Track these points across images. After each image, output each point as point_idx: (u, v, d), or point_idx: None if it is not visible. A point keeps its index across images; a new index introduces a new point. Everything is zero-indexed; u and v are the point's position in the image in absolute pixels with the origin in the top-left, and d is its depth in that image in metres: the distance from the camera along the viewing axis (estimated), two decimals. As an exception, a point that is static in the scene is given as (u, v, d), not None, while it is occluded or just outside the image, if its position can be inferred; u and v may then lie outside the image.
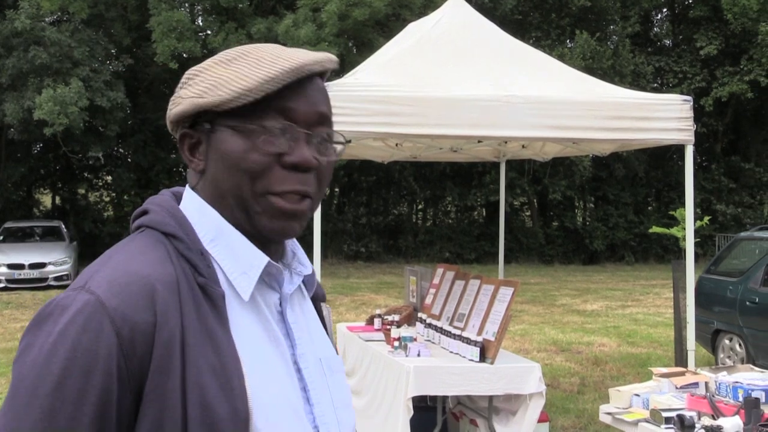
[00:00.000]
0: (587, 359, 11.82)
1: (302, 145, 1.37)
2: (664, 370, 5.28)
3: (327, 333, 1.59)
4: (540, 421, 6.48)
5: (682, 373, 5.10)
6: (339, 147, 1.47)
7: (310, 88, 1.40)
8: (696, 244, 7.96)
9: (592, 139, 6.59)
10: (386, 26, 25.01)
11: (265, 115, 1.36)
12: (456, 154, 8.79)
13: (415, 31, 7.72)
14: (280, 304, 1.44)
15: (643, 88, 24.86)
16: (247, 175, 1.36)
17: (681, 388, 4.83)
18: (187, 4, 27.91)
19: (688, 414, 4.33)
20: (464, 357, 6.45)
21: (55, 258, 21.04)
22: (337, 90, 5.86)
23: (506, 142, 8.25)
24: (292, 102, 1.37)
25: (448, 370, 6.22)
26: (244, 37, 24.93)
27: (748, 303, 10.15)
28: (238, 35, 24.97)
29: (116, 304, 1.25)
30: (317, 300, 1.61)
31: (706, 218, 11.91)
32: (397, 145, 8.44)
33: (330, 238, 26.86)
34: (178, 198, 1.48)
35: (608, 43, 29.50)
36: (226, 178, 1.38)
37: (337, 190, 31.84)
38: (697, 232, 9.32)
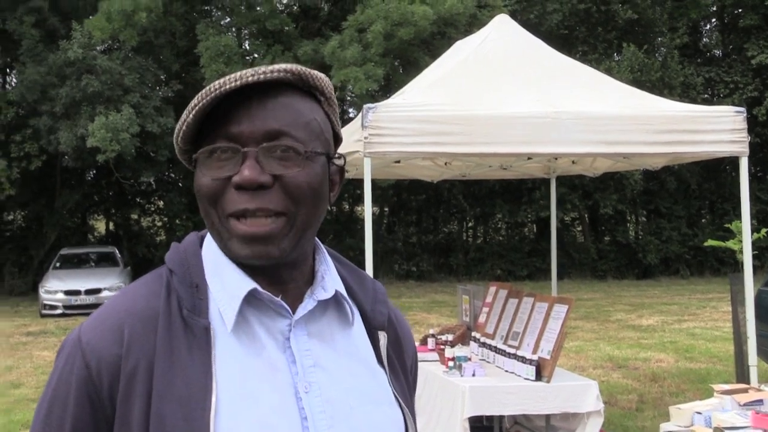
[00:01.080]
0: (645, 375, 11.65)
1: (249, 164, 1.35)
2: (726, 386, 5.18)
3: (381, 362, 1.54)
4: (599, 439, 6.41)
5: (745, 390, 5.00)
6: (338, 161, 1.51)
7: (257, 107, 1.38)
8: (753, 257, 7.81)
9: (643, 153, 6.53)
10: (432, 44, 25.03)
11: (214, 141, 1.38)
12: (505, 171, 8.76)
13: (461, 49, 7.72)
14: (288, 331, 1.42)
15: (694, 100, 24.60)
16: (208, 201, 1.39)
17: (744, 405, 4.74)
18: (234, 29, 28.29)
19: (752, 432, 4.25)
20: (520, 376, 6.41)
21: (110, 283, 21.31)
22: (385, 111, 5.88)
23: (556, 159, 8.19)
24: (234, 125, 1.37)
25: (504, 390, 6.18)
26: (291, 59, 25.14)
27: (810, 316, 9.95)
28: (285, 58, 25.19)
29: (88, 339, 1.37)
30: (373, 328, 1.56)
31: (764, 230, 11.68)
32: (446, 164, 8.43)
33: (380, 258, 26.87)
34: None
35: (656, 55, 29.22)
36: (201, 207, 1.43)
37: (386, 209, 31.87)
38: (754, 244, 9.15)
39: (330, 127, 1.51)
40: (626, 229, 31.51)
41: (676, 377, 11.50)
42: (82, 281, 21.30)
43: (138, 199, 31.21)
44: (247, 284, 1.39)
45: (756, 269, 7.45)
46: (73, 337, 1.40)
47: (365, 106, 5.86)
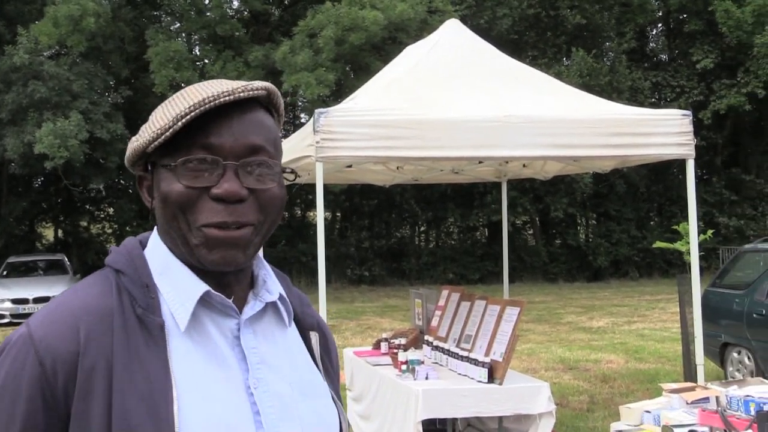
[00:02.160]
0: (595, 377, 11.77)
1: (229, 176, 1.40)
2: (674, 385, 5.25)
3: (315, 360, 1.62)
4: (551, 440, 6.46)
5: (693, 389, 5.07)
6: (290, 176, 1.54)
7: (238, 121, 1.43)
8: (700, 258, 7.95)
9: (593, 156, 6.60)
10: (383, 50, 25.11)
11: (191, 152, 1.41)
12: (457, 175, 8.80)
13: (412, 54, 7.74)
14: (238, 329, 1.47)
15: (641, 104, 24.89)
16: (179, 209, 1.42)
17: (692, 403, 4.81)
18: (184, 34, 28.10)
19: (700, 429, 4.31)
20: (473, 378, 6.42)
21: (59, 291, 20.90)
22: (336, 115, 5.87)
23: (507, 162, 8.25)
24: (215, 137, 1.41)
25: (457, 392, 6.19)
26: (242, 65, 25.07)
27: (755, 315, 10.11)
28: (236, 63, 25.10)
29: (42, 335, 1.36)
30: (304, 329, 1.64)
31: (710, 231, 11.90)
32: (398, 168, 8.44)
33: (333, 263, 26.83)
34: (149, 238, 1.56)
35: (605, 59, 29.59)
36: (165, 214, 1.44)
37: (338, 214, 31.84)
38: (700, 245, 9.30)
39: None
40: (576, 232, 31.84)
41: (625, 378, 11.62)
42: (30, 289, 20.94)
43: (87, 206, 30.88)
44: (200, 287, 1.44)
45: (702, 270, 7.58)
46: (21, 334, 1.38)
47: (316, 111, 5.86)
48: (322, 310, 6.13)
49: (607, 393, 10.67)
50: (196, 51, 28.16)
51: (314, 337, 1.65)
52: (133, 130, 26.78)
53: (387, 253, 30.68)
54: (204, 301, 1.45)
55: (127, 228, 28.97)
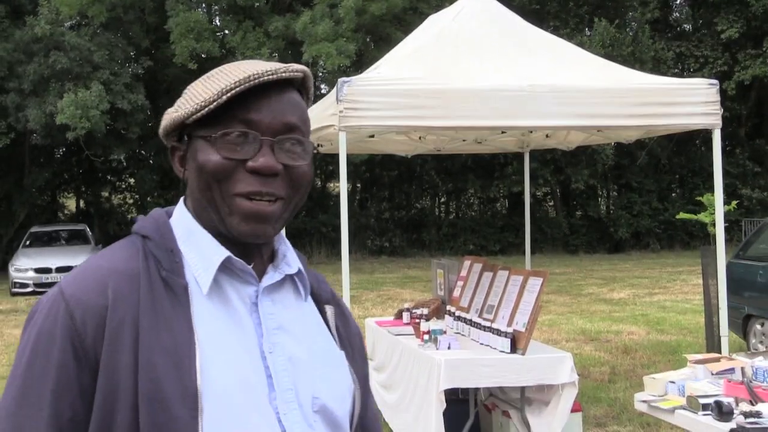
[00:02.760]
0: (617, 348, 11.75)
1: (265, 151, 1.49)
2: (699, 356, 5.23)
3: (331, 332, 1.68)
4: (573, 411, 6.44)
5: (717, 359, 5.05)
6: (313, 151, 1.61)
7: (276, 100, 1.51)
8: (726, 230, 7.90)
9: (618, 126, 6.56)
10: (404, 20, 24.96)
11: (230, 125, 1.48)
12: (480, 145, 8.76)
13: (435, 23, 7.68)
14: (256, 297, 1.55)
15: (664, 74, 24.62)
16: (214, 178, 1.49)
17: (717, 374, 4.79)
18: (204, 5, 28.00)
19: (725, 400, 4.29)
20: (495, 348, 6.43)
21: (82, 261, 21.13)
22: (360, 85, 5.84)
23: (531, 132, 8.20)
24: (254, 113, 1.49)
25: (480, 362, 6.19)
26: (262, 35, 24.99)
27: (779, 287, 10.06)
28: (256, 33, 25.02)
29: (72, 291, 1.44)
30: (320, 302, 1.71)
31: (734, 203, 11.79)
32: (420, 138, 8.42)
33: (353, 234, 26.84)
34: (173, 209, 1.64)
35: (627, 30, 29.29)
36: (199, 183, 1.52)
37: (359, 185, 31.82)
38: (724, 217, 9.24)
39: None
40: (597, 204, 31.71)
41: (647, 349, 11.60)
42: (52, 259, 21.12)
43: (109, 177, 31.01)
44: (222, 252, 1.51)
45: (725, 242, 7.52)
46: (53, 292, 1.47)
47: (340, 80, 5.83)
48: (345, 281, 6.13)
49: (629, 364, 10.66)
50: (217, 21, 28.05)
51: (330, 310, 1.72)
52: (154, 100, 26.94)
53: (407, 224, 30.68)
54: (225, 267, 1.52)
55: (148, 198, 29.07)
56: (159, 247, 1.51)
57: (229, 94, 1.46)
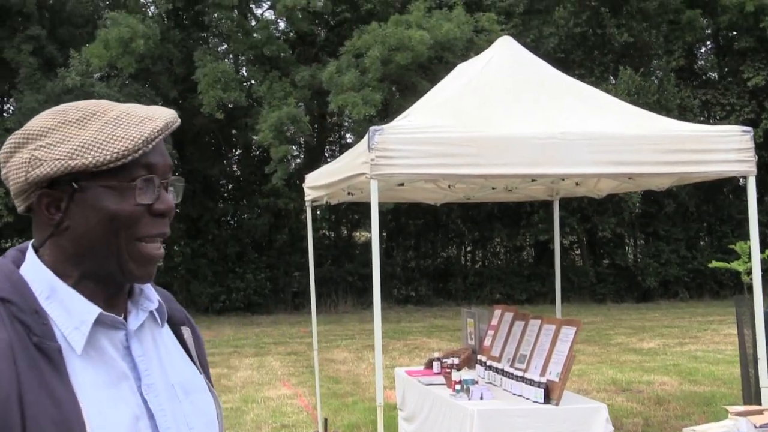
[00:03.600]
0: (649, 399, 11.58)
1: (164, 194, 1.56)
2: (741, 408, 5.13)
3: (190, 354, 1.73)
4: (608, 463, 6.35)
5: (760, 412, 4.95)
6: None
7: (160, 143, 1.57)
8: (749, 279, 7.79)
9: (650, 173, 6.50)
10: (429, 69, 25.09)
11: (135, 172, 1.52)
12: (509, 194, 8.74)
13: (465, 71, 7.70)
14: (127, 340, 1.57)
15: (690, 122, 24.61)
16: (123, 225, 1.51)
17: (760, 427, 4.68)
18: (231, 56, 28.32)
19: (769, 453, 4.19)
20: (528, 399, 6.36)
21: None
22: (391, 133, 5.84)
23: (563, 180, 8.16)
24: (153, 157, 1.54)
25: (513, 413, 6.13)
26: (288, 85, 25.19)
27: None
28: (282, 83, 25.22)
29: None
30: (176, 324, 1.74)
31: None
32: (449, 186, 8.40)
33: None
34: (24, 253, 1.59)
35: (653, 78, 29.28)
36: (98, 230, 1.51)
37: (384, 234, 31.82)
38: (726, 265, 9.17)
39: None
40: (625, 252, 31.47)
41: (680, 400, 11.43)
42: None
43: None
44: (93, 310, 1.52)
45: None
46: None
47: (371, 128, 5.84)
48: (377, 330, 6.08)
49: (662, 416, 10.50)
50: (244, 72, 28.32)
51: (186, 332, 1.75)
52: (181, 149, 27.16)
53: (433, 272, 30.56)
54: (96, 321, 1.52)
55: (176, 247, 29.12)
56: (23, 311, 1.46)
57: (153, 143, 1.51)
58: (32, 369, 1.41)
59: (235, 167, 31.33)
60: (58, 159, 1.50)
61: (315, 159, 28.62)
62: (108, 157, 1.49)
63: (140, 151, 1.50)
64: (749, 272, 9.33)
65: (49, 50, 25.23)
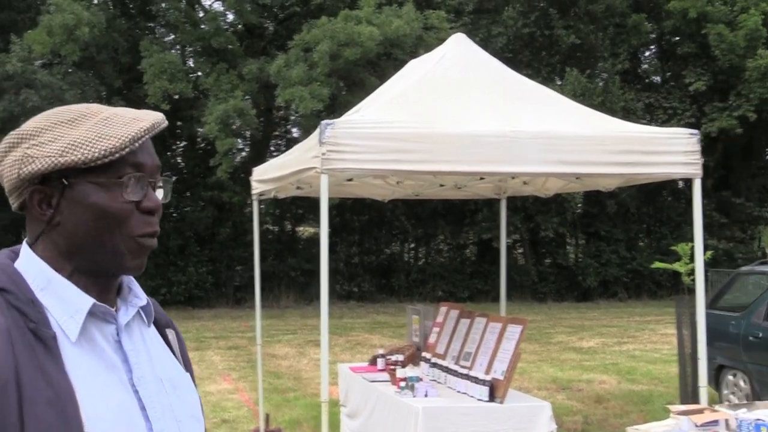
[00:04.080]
0: (588, 397, 11.70)
1: (151, 192, 1.61)
2: (682, 407, 5.18)
3: (174, 355, 1.79)
4: (551, 462, 6.38)
5: (701, 411, 4.99)
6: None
7: (148, 144, 1.62)
8: (690, 280, 7.89)
9: (599, 174, 6.54)
10: (378, 65, 25.06)
11: (123, 170, 1.57)
12: (458, 191, 8.73)
13: (417, 68, 7.67)
14: (118, 334, 1.62)
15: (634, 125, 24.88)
16: (114, 221, 1.57)
17: (701, 426, 4.73)
18: (178, 46, 27.98)
19: (712, 453, 4.23)
20: (473, 397, 6.37)
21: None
22: (343, 127, 5.79)
23: (513, 178, 8.18)
24: (141, 157, 1.59)
25: (458, 411, 6.13)
26: (236, 78, 24.97)
27: (751, 338, 10.07)
28: (230, 76, 24.99)
29: None
30: (161, 327, 1.80)
31: (709, 253, 11.83)
32: (398, 182, 8.37)
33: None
34: (17, 253, 1.65)
35: (598, 80, 29.59)
36: (89, 226, 1.57)
37: (329, 229, 31.67)
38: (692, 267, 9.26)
39: None
40: (566, 252, 31.77)
41: (619, 399, 11.56)
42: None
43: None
44: (87, 300, 1.58)
45: (691, 292, 7.53)
46: None
47: (323, 122, 5.78)
48: (324, 324, 6.03)
49: (602, 414, 10.60)
50: (190, 63, 28.00)
51: (171, 334, 1.82)
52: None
53: (376, 269, 30.55)
54: (89, 312, 1.58)
55: None
56: (20, 300, 1.53)
57: (140, 141, 1.56)
58: (29, 353, 1.47)
59: (179, 159, 30.97)
60: (49, 156, 1.56)
61: (260, 153, 28.39)
62: (96, 154, 1.54)
63: (127, 149, 1.55)
64: (690, 273, 9.49)
65: (-12, 36, 24.72)
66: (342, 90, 26.03)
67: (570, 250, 32.24)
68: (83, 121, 1.59)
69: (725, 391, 10.55)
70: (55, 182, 1.58)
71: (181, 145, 31.03)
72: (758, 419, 4.56)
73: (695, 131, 6.47)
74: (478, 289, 29.25)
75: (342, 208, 28.41)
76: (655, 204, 30.94)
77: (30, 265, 1.61)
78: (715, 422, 4.78)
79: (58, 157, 1.55)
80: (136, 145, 1.56)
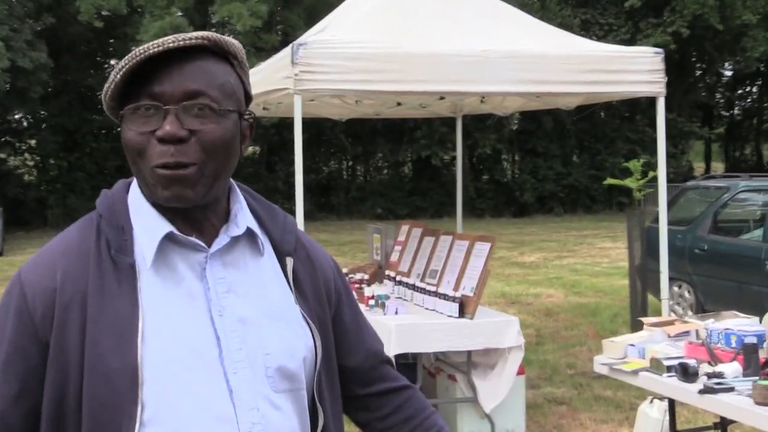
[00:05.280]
0: (539, 311, 11.96)
1: (170, 119, 1.53)
2: (654, 319, 5.34)
3: (289, 284, 1.72)
4: (518, 374, 6.54)
5: (671, 323, 5.17)
6: (249, 118, 1.68)
7: (177, 70, 1.55)
8: (624, 194, 8.04)
9: (566, 92, 6.59)
10: (316, -19, 24.65)
11: (138, 100, 1.54)
12: (418, 110, 8.73)
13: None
14: (205, 262, 1.61)
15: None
16: (135, 152, 1.56)
17: (674, 336, 4.90)
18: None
19: (689, 362, 4.39)
20: (442, 313, 6.44)
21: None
22: (316, 48, 5.74)
23: (483, 98, 8.18)
24: (157, 85, 1.54)
25: (430, 327, 6.21)
26: (170, -6, 24.38)
27: (696, 251, 10.35)
28: (165, -9, 24.39)
29: (26, 274, 1.57)
30: (282, 254, 1.74)
31: (651, 173, 12.05)
32: (357, 102, 8.32)
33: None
34: None
35: (535, -4, 29.60)
36: (128, 158, 1.59)
37: (265, 147, 31.45)
38: (647, 184, 9.47)
39: (242, 88, 1.68)
40: (503, 168, 32.07)
41: (568, 311, 11.83)
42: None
43: (7, 138, 29.87)
44: (164, 227, 1.59)
45: (625, 206, 7.73)
46: (15, 274, 1.59)
47: (294, 43, 5.72)
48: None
49: (553, 327, 10.86)
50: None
51: (290, 262, 1.74)
52: (57, 59, 26.02)
53: (316, 187, 30.47)
54: (172, 239, 1.59)
55: (51, 160, 28.23)
56: (109, 225, 1.59)
57: (122, 72, 1.52)
58: (103, 278, 1.54)
59: (112, 78, 30.28)
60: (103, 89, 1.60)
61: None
62: (105, 88, 1.56)
63: (114, 81, 1.54)
64: (641, 189, 9.71)
65: None
66: (278, 6, 25.58)
67: (507, 167, 32.54)
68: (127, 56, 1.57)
69: (670, 302, 10.86)
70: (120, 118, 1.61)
71: (114, 64, 30.33)
72: (727, 328, 4.72)
73: (660, 50, 6.52)
74: (417, 206, 29.49)
75: (280, 126, 28.17)
76: (591, 121, 31.28)
77: (132, 191, 1.66)
78: (687, 333, 4.95)
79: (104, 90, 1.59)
80: (118, 77, 1.53)
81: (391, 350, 6.04)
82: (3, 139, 29.70)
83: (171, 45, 1.53)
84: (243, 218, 1.69)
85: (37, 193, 27.77)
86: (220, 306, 1.59)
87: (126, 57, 1.53)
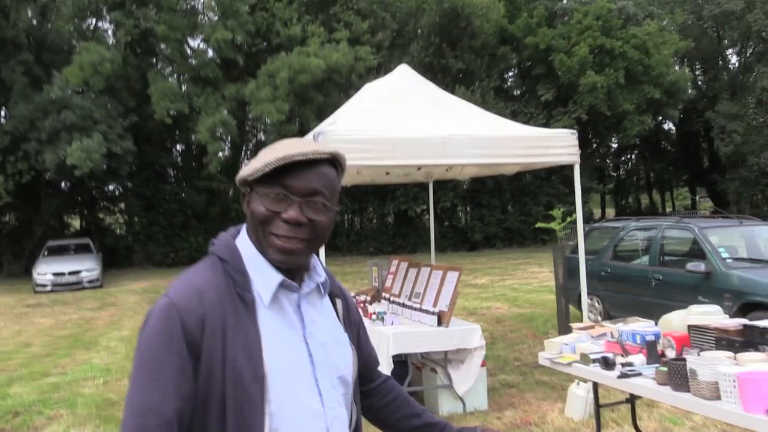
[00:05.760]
0: (491, 319, 11.82)
1: (295, 208, 1.52)
2: (581, 325, 5.24)
3: (339, 319, 1.73)
4: (481, 366, 6.44)
5: (593, 326, 5.08)
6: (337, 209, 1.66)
7: (307, 172, 1.53)
8: (546, 233, 7.98)
9: (510, 163, 6.57)
10: (322, 87, 24.78)
11: (274, 187, 1.52)
12: (401, 177, 8.69)
13: (375, 89, 7.55)
14: (298, 300, 1.61)
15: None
16: (260, 222, 1.54)
17: (596, 337, 4.82)
18: (176, 75, 27.23)
19: (609, 355, 4.32)
20: (425, 324, 6.37)
21: (87, 266, 20.21)
22: (331, 134, 5.71)
23: (450, 168, 8.15)
24: (290, 180, 1.52)
25: (417, 334, 6.13)
26: (219, 98, 24.43)
27: (602, 273, 10.31)
28: (215, 96, 24.45)
29: (179, 301, 1.48)
30: (333, 297, 1.75)
31: (569, 217, 12.04)
32: (357, 173, 8.28)
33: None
34: (240, 231, 1.65)
35: (477, 94, 29.76)
36: (252, 223, 1.57)
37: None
38: (564, 226, 9.47)
39: (340, 187, 1.67)
40: (459, 216, 32.03)
41: (511, 319, 11.70)
42: (65, 265, 20.12)
43: (104, 203, 29.70)
44: (277, 276, 1.56)
45: (545, 242, 7.68)
46: (165, 302, 1.48)
47: (315, 131, 5.70)
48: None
49: (501, 331, 10.73)
50: (185, 88, 27.28)
51: (339, 302, 1.77)
52: (139, 146, 25.93)
53: (325, 233, 30.37)
54: (281, 283, 1.58)
55: (135, 218, 28.01)
56: (234, 269, 1.55)
57: (270, 167, 1.50)
58: (234, 309, 1.51)
59: (179, 159, 30.24)
60: (242, 170, 1.60)
61: (238, 152, 28.00)
62: (248, 172, 1.55)
63: (261, 171, 1.51)
64: (562, 230, 9.65)
65: (36, 71, 23.64)
66: (297, 105, 25.68)
67: (462, 215, 32.51)
68: (273, 148, 1.58)
69: (585, 311, 10.77)
70: (246, 188, 1.60)
71: (180, 149, 30.35)
72: (633, 330, 4.64)
73: (574, 131, 6.53)
74: (398, 245, 29.34)
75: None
76: (520, 180, 31.36)
77: (243, 242, 1.62)
78: (604, 334, 4.88)
79: (242, 172, 1.59)
80: (268, 169, 1.50)
81: (389, 351, 5.95)
82: (101, 204, 29.53)
83: (311, 156, 1.52)
84: (320, 269, 1.71)
85: (125, 242, 27.55)
86: (309, 333, 1.60)
87: (275, 154, 1.51)
